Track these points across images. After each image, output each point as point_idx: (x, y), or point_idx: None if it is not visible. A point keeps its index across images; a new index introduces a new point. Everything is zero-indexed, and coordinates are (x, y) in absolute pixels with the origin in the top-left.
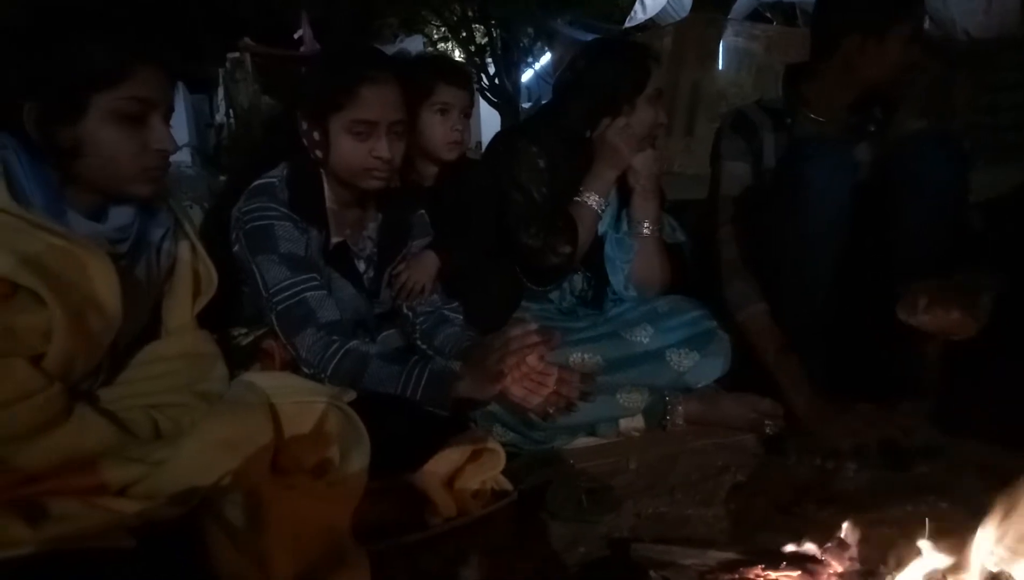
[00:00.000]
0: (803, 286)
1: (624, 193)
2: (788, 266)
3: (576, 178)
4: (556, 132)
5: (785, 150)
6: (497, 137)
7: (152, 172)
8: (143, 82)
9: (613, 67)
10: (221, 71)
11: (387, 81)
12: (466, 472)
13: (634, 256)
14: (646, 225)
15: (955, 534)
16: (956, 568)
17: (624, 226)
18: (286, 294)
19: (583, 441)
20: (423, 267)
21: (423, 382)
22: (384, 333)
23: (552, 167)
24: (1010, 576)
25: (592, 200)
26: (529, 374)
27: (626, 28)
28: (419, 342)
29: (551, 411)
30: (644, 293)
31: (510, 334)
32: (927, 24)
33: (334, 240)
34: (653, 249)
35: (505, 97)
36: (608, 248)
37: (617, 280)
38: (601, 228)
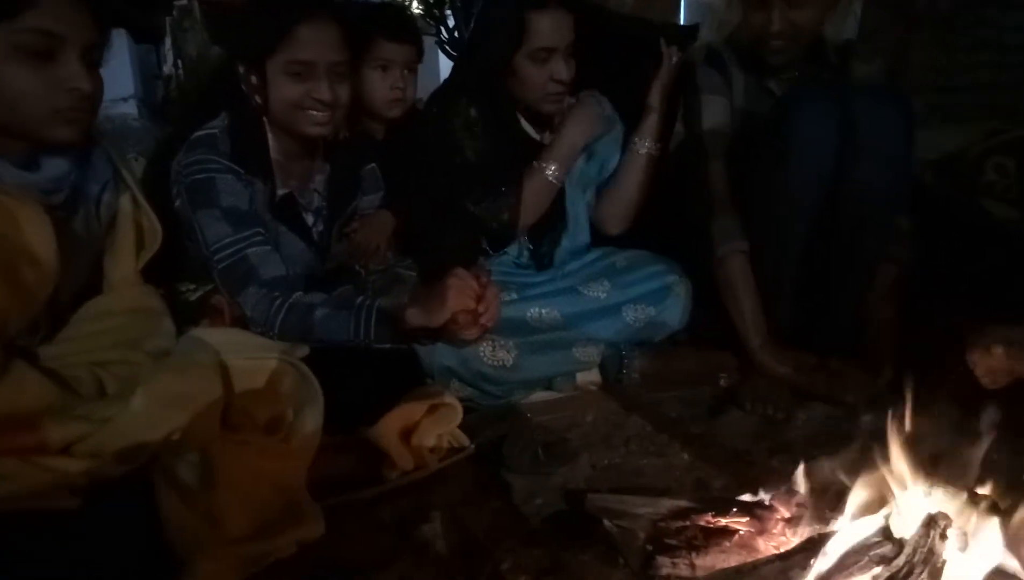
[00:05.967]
0: (776, 230)
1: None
2: (761, 208)
3: (517, 135)
4: (476, 84)
5: (753, 92)
6: (433, 93)
7: (67, 113)
8: (47, 13)
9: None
10: (168, 20)
11: (324, 20)
12: (423, 427)
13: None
14: (647, 143)
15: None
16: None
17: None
18: (228, 251)
19: (540, 395)
20: (377, 226)
21: (373, 320)
22: (339, 290)
23: (486, 120)
24: (947, 517)
25: (550, 171)
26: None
27: None
28: None
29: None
30: (606, 229)
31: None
32: None
33: (280, 192)
34: (639, 171)
35: None
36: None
37: (578, 221)
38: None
